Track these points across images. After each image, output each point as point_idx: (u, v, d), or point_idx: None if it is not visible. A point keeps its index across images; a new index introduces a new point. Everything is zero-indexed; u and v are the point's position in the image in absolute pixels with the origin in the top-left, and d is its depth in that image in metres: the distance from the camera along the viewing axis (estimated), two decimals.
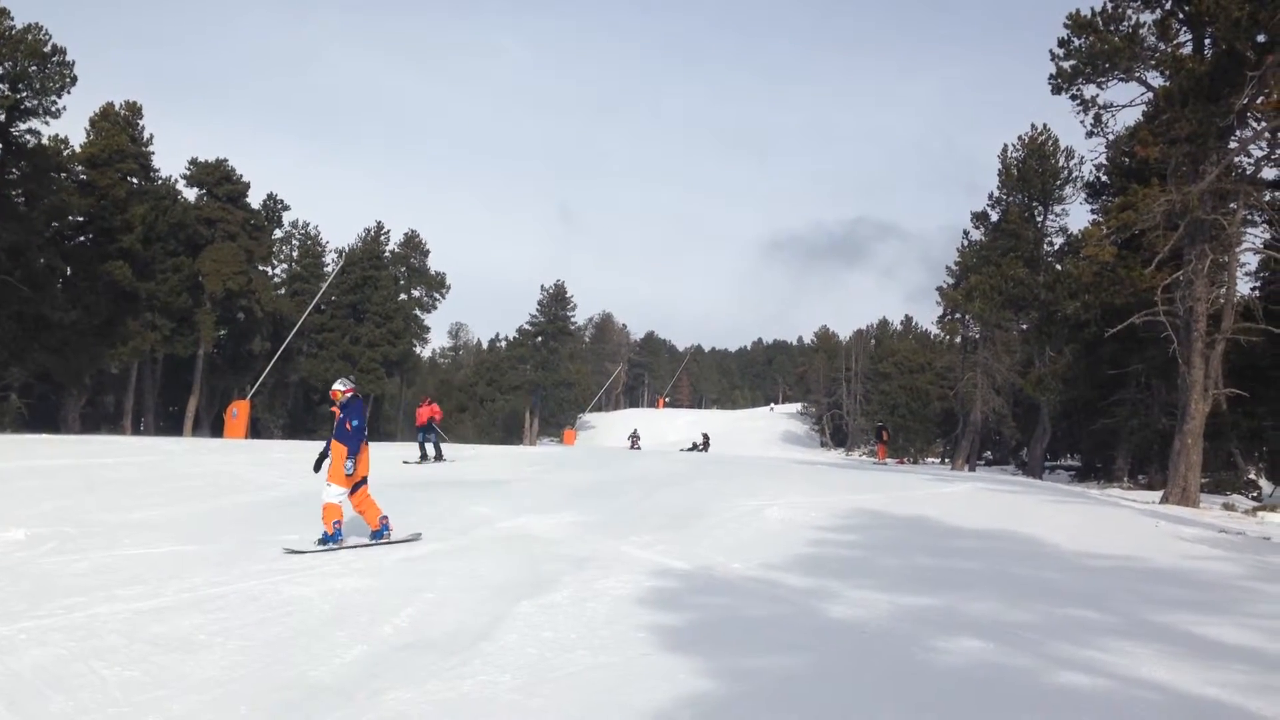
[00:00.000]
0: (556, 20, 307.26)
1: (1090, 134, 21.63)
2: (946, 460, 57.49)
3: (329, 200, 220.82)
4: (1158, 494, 21.52)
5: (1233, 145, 19.95)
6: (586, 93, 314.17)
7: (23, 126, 36.34)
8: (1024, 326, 43.63)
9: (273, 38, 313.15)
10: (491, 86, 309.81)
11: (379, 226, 79.12)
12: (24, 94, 35.65)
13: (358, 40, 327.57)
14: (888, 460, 49.49)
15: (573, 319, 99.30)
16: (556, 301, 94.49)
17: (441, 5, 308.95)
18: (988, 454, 56.84)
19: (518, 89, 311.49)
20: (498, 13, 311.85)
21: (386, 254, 79.02)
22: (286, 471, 15.43)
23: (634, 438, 58.41)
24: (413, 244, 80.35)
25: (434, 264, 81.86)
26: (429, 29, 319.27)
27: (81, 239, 46.77)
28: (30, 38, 35.31)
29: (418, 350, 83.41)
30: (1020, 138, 44.28)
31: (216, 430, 50.59)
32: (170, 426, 56.85)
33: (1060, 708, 4.79)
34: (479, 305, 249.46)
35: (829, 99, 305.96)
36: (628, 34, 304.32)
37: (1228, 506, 19.75)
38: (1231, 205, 20.05)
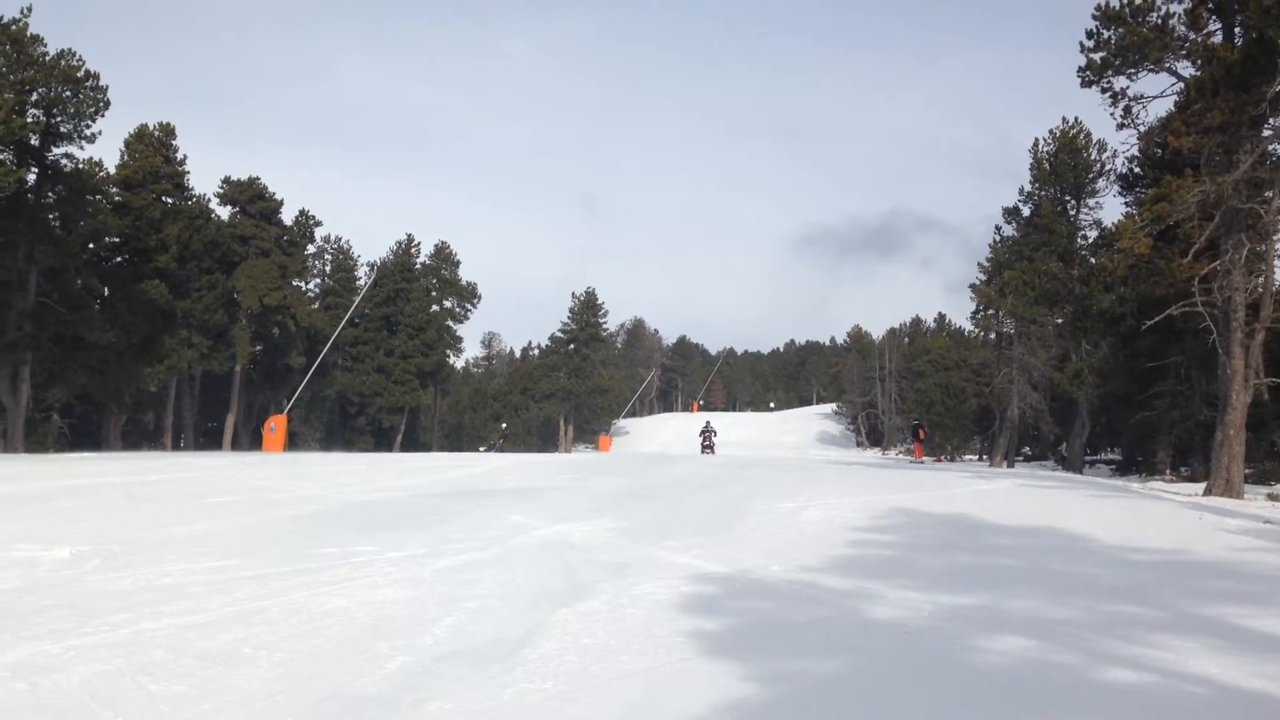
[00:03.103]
0: (569, 23, 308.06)
1: (1121, 126, 21.42)
2: (984, 457, 57.10)
3: (359, 214, 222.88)
4: (1200, 486, 21.27)
5: (1266, 133, 19.72)
6: (606, 94, 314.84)
7: (58, 151, 36.88)
8: (1059, 321, 43.29)
9: (284, 53, 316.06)
10: (508, 92, 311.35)
11: (409, 239, 79.73)
12: (58, 119, 36.16)
13: (369, 52, 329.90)
14: (924, 459, 49.26)
15: (604, 325, 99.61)
16: (588, 308, 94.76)
17: (448, 13, 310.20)
18: (1026, 450, 56.37)
19: (534, 94, 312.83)
20: (505, 18, 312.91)
21: (417, 266, 79.57)
22: (325, 485, 15.54)
23: (706, 434, 49.16)
24: (443, 255, 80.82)
25: (465, 274, 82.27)
26: (438, 37, 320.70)
27: (118, 259, 47.39)
28: (64, 64, 35.79)
29: (451, 361, 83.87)
30: (1051, 131, 44.01)
31: (255, 445, 51.05)
32: (209, 442, 57.47)
33: (1106, 704, 4.75)
34: (511, 314, 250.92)
35: (860, 90, 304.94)
36: (641, 35, 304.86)
37: (1272, 497, 19.47)
38: (1267, 194, 19.81)
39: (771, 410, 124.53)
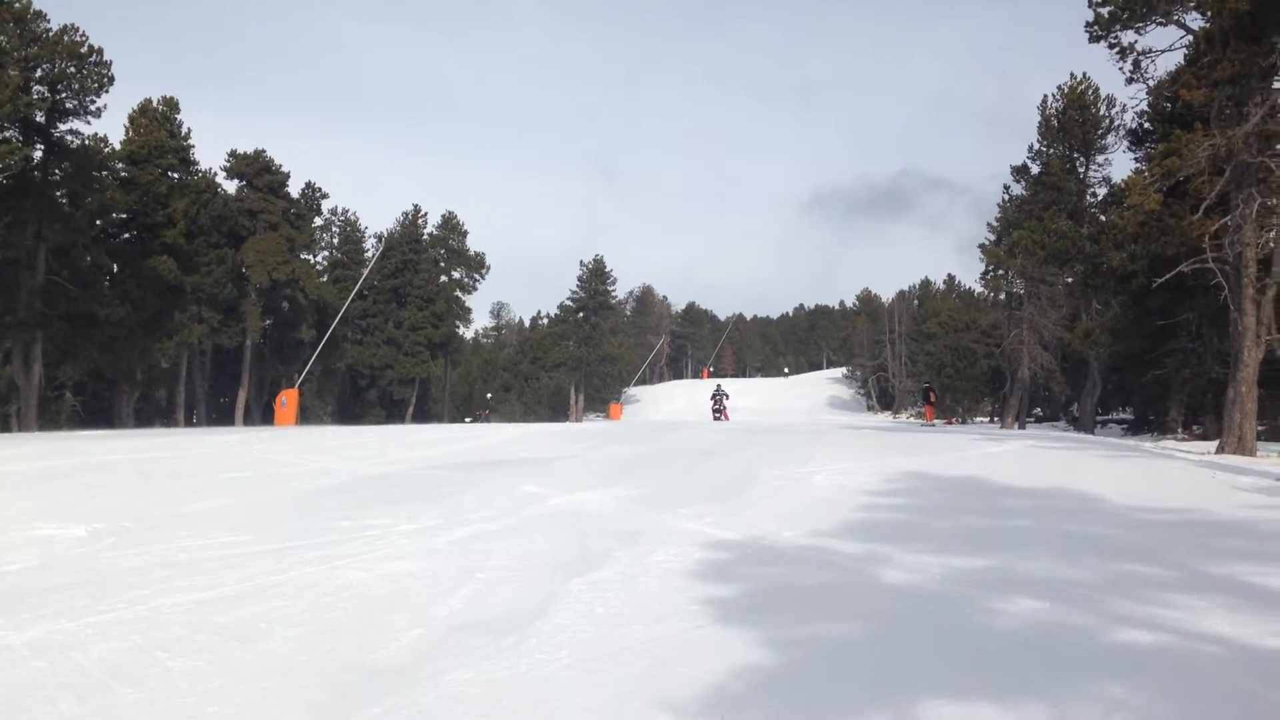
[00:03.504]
0: None
1: (1130, 80, 21.20)
2: (995, 419, 57.07)
3: (365, 185, 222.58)
4: (1213, 444, 21.22)
5: (1277, 85, 19.50)
6: (613, 60, 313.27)
7: (63, 128, 36.86)
8: (1069, 280, 43.12)
9: (288, 22, 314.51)
10: (515, 57, 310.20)
11: (416, 210, 79.79)
12: (63, 95, 36.11)
13: (374, 19, 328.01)
14: (935, 421, 49.25)
15: (613, 293, 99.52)
16: (596, 276, 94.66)
17: None
18: (1037, 411, 56.34)
19: (542, 59, 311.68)
20: None
21: (425, 237, 79.60)
22: (338, 458, 15.60)
23: (718, 398, 46.49)
24: (451, 225, 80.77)
25: (473, 244, 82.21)
26: (445, 3, 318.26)
27: (126, 235, 47.45)
28: (67, 39, 35.71)
29: (461, 331, 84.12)
30: (1060, 88, 43.65)
31: (267, 419, 51.29)
32: (221, 417, 57.73)
33: (1121, 664, 4.75)
34: (520, 284, 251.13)
35: (872, 49, 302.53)
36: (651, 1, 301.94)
37: None
38: (1278, 147, 19.61)
39: (786, 376, 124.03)
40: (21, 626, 5.50)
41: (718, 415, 45.33)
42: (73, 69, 35.89)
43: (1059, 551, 7.56)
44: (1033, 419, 52.02)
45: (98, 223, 43.46)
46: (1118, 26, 20.90)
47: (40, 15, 35.03)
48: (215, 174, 56.00)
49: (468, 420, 60.47)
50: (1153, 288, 25.26)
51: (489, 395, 71.10)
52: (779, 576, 6.83)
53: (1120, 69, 21.24)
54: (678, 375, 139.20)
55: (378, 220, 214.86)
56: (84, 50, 36.15)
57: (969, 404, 66.38)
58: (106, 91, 36.97)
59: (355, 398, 74.26)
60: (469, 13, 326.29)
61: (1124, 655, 4.90)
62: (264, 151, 58.93)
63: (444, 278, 79.20)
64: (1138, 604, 5.86)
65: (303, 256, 60.46)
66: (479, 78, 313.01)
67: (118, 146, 47.25)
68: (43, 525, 8.86)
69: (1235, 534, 8.62)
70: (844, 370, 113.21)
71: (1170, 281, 22.60)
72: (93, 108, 36.82)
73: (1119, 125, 41.72)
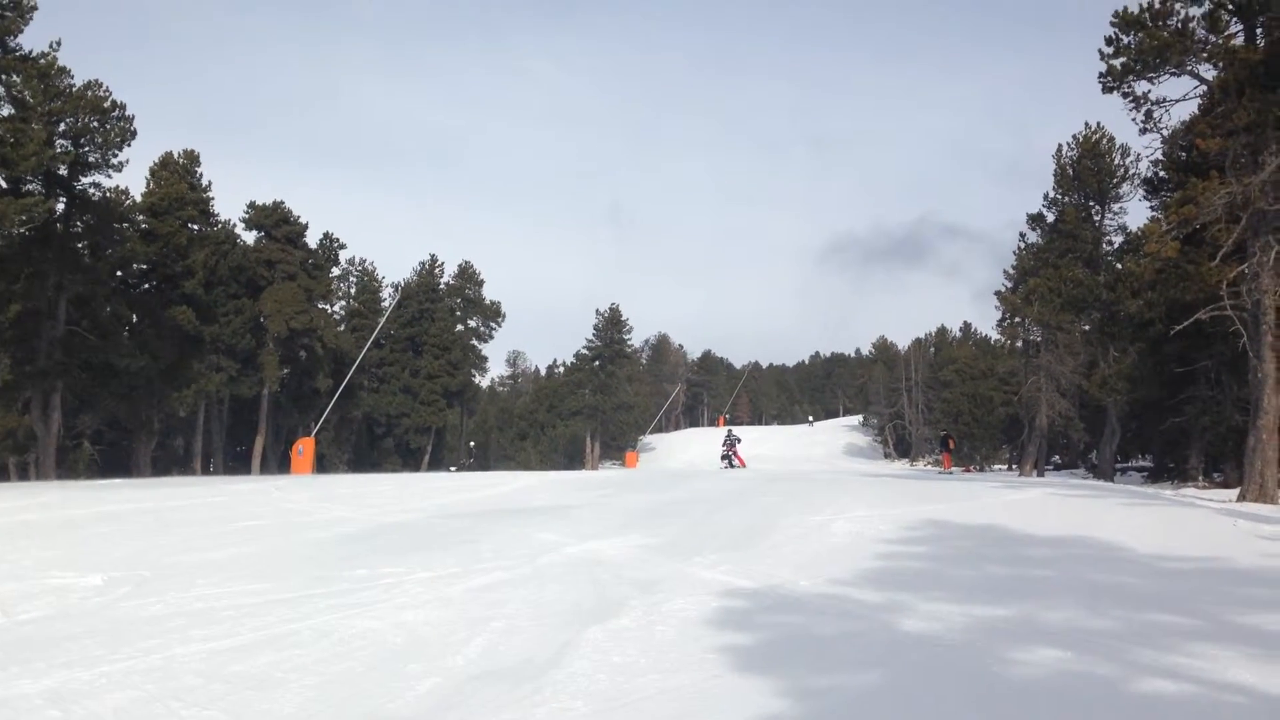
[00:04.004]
0: (589, 40, 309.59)
1: (1144, 130, 21.30)
2: (1013, 467, 56.70)
3: (382, 236, 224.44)
4: (1234, 492, 21.02)
5: None
6: (627, 111, 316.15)
7: (86, 180, 37.30)
8: (1086, 328, 43.00)
9: (305, 77, 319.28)
10: (529, 109, 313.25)
11: (433, 259, 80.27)
12: (86, 149, 36.59)
13: (388, 73, 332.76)
14: (953, 469, 48.95)
15: (629, 341, 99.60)
16: (612, 325, 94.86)
17: (468, 33, 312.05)
18: (1055, 458, 55.95)
19: (555, 112, 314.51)
20: (525, 36, 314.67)
21: (441, 286, 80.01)
22: (354, 506, 15.59)
23: (729, 444, 44.43)
24: (467, 275, 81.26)
25: (488, 293, 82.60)
26: (457, 57, 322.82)
27: (146, 286, 47.84)
28: (90, 94, 36.24)
29: (477, 380, 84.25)
30: (1075, 136, 43.87)
31: (283, 468, 51.33)
32: (238, 466, 57.82)
33: (1144, 715, 4.69)
34: (535, 333, 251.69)
35: (887, 99, 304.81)
36: (663, 49, 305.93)
37: None
38: None
39: (811, 424, 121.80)
40: (37, 675, 5.48)
41: (730, 462, 43.56)
42: (95, 123, 36.38)
43: (1081, 601, 7.48)
44: (1051, 466, 51.65)
45: (118, 273, 43.84)
46: (1131, 77, 21.02)
47: (64, 71, 35.56)
48: (234, 225, 56.64)
49: (452, 469, 60.07)
50: (1170, 335, 25.15)
51: (472, 443, 70.57)
52: (797, 625, 6.77)
53: (1134, 119, 21.36)
54: (694, 423, 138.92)
55: (395, 270, 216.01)
56: (107, 105, 36.66)
57: (986, 452, 65.99)
58: (129, 145, 37.46)
59: (372, 446, 74.34)
60: (483, 67, 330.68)
61: (1147, 705, 4.83)
62: (282, 202, 59.58)
63: (460, 326, 79.58)
64: (1161, 653, 5.78)
65: (320, 306, 60.84)
66: (493, 129, 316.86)
67: (139, 198, 47.77)
68: (59, 574, 8.86)
69: (1258, 583, 8.51)
70: (860, 418, 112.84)
71: (1188, 328, 22.51)
72: (114, 161, 37.25)
73: (1134, 174, 41.80)
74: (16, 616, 7.13)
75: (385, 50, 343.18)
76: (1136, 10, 20.74)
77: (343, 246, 65.71)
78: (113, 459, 48.02)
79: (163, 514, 14.42)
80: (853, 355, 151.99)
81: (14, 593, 8.01)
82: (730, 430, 50.46)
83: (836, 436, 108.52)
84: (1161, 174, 35.29)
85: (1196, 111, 22.09)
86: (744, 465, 42.79)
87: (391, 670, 5.62)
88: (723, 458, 44.50)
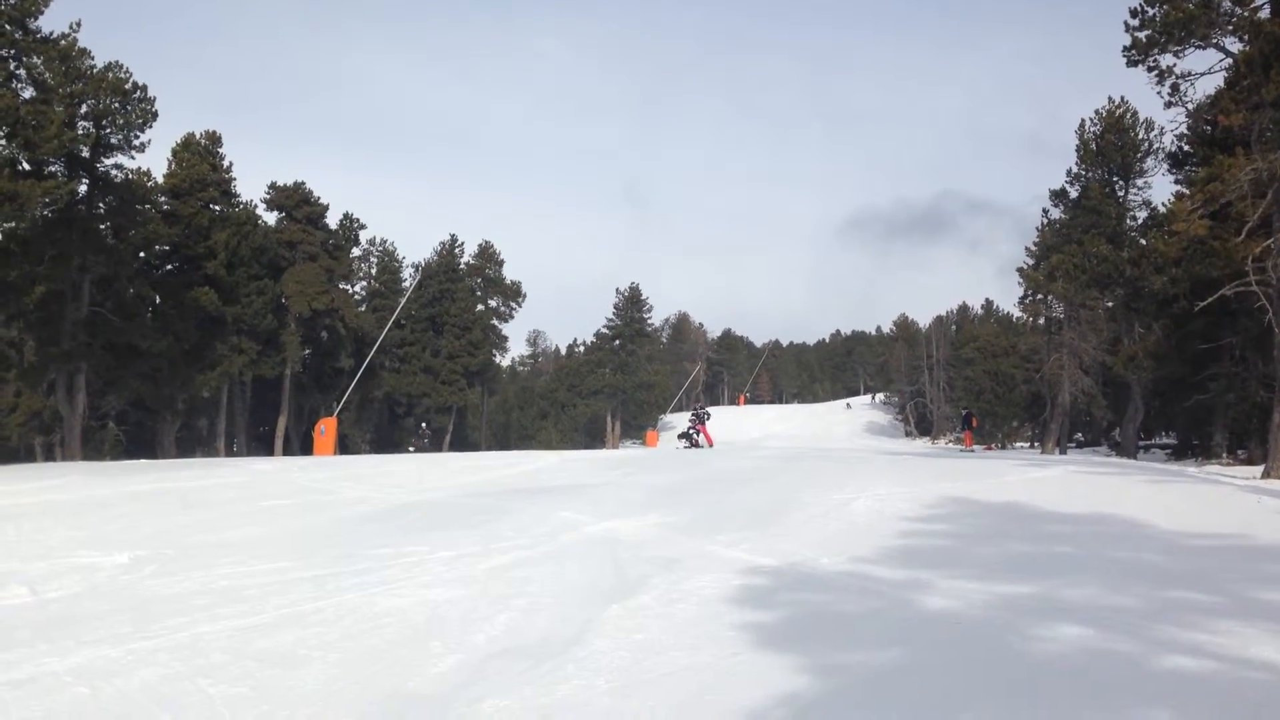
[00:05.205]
0: (599, 21, 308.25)
1: (1169, 104, 21.09)
2: (1035, 445, 56.45)
3: (402, 216, 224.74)
4: (1258, 469, 20.89)
5: None
6: (643, 90, 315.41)
7: (108, 162, 37.48)
8: (1109, 304, 42.68)
9: (322, 59, 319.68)
10: (546, 89, 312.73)
11: (453, 239, 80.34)
12: (108, 130, 36.74)
13: (404, 56, 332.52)
14: (975, 447, 48.80)
15: (649, 320, 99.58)
16: (632, 304, 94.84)
17: (480, 15, 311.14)
18: (1079, 436, 55.66)
19: (570, 90, 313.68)
20: (535, 18, 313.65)
21: (462, 266, 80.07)
22: (375, 486, 15.68)
23: (697, 420, 38.71)
24: (487, 255, 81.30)
25: (509, 273, 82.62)
26: (471, 39, 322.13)
27: (168, 267, 48.10)
28: (111, 75, 36.35)
29: (497, 360, 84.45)
30: (1097, 111, 43.38)
31: (306, 448, 51.65)
32: (261, 446, 58.16)
33: (1166, 691, 4.67)
34: (555, 312, 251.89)
35: (906, 74, 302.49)
36: (676, 30, 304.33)
37: None
38: None
39: (849, 407, 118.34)
40: (65, 653, 5.55)
41: (691, 440, 37.91)
42: (117, 105, 36.49)
43: (1103, 578, 7.45)
44: (1074, 444, 51.40)
45: (141, 255, 44.08)
46: (1155, 50, 20.79)
47: (85, 52, 35.64)
48: (256, 206, 56.74)
49: (411, 448, 58.81)
50: (1195, 311, 24.95)
51: (424, 425, 69.95)
52: (818, 603, 6.78)
53: (1159, 93, 21.16)
54: (714, 402, 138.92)
55: (415, 250, 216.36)
56: (128, 86, 36.73)
57: (1008, 430, 65.71)
58: (150, 126, 37.57)
59: (393, 426, 74.67)
60: (500, 47, 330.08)
61: (1170, 682, 4.82)
62: (303, 183, 59.63)
63: (480, 306, 79.68)
64: (1183, 630, 5.76)
65: (341, 286, 60.97)
66: (511, 110, 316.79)
67: (161, 180, 47.90)
68: (86, 553, 8.96)
69: None
70: (881, 396, 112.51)
71: (1213, 305, 22.31)
72: (136, 143, 37.36)
73: (1158, 149, 41.40)
74: (44, 595, 7.22)
75: (400, 32, 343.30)
76: None
77: (363, 227, 65.75)
78: (138, 440, 48.39)
79: (187, 494, 14.55)
80: (873, 333, 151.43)
81: (42, 571, 8.11)
82: (700, 404, 48.60)
83: (857, 414, 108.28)
84: (1186, 148, 34.96)
85: (1222, 85, 21.86)
86: (711, 444, 37.54)
87: (415, 647, 5.67)
88: (681, 435, 39.23)
